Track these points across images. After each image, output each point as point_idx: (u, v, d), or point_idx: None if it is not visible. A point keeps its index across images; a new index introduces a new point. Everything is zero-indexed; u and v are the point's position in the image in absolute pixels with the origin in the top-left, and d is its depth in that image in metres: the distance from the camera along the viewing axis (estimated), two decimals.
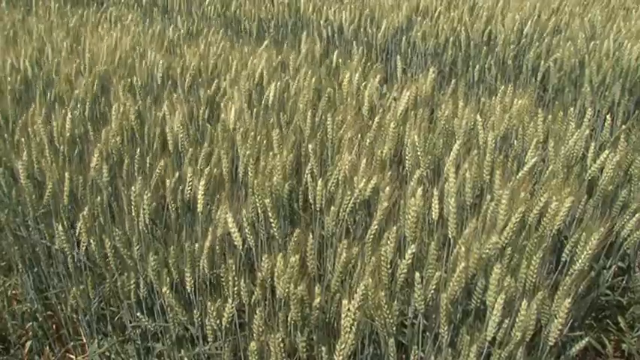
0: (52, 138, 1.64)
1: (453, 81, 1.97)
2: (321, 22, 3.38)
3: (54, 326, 1.80)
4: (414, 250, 1.02)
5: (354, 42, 2.97)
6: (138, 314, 1.40)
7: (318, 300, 1.08)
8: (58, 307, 1.71)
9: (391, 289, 1.06)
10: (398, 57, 2.35)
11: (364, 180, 1.21)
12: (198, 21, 3.43)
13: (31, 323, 1.75)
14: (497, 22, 3.10)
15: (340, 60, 2.39)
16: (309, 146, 1.39)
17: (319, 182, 1.26)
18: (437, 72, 3.14)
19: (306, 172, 1.37)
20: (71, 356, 1.72)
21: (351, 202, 1.21)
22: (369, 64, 2.37)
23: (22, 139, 1.63)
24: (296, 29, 3.54)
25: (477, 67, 2.94)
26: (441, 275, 1.02)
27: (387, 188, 1.14)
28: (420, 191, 1.05)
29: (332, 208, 1.22)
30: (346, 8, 3.37)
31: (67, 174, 1.45)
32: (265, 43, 2.47)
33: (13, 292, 1.90)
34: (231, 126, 1.60)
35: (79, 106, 1.91)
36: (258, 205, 1.23)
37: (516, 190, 1.07)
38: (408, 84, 1.61)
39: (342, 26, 3.36)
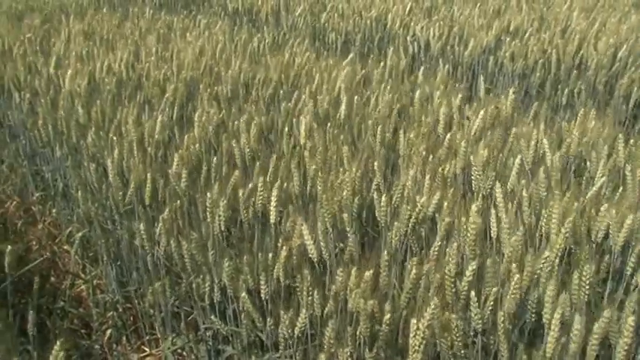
0: (142, 139, 1.76)
1: (536, 103, 1.95)
2: (408, 38, 3.40)
3: (132, 318, 1.92)
4: (474, 267, 1.04)
5: (440, 59, 2.97)
6: (211, 317, 1.48)
7: (388, 316, 1.11)
8: (137, 301, 1.83)
9: (455, 307, 1.08)
10: (481, 77, 2.34)
11: (427, 196, 1.23)
12: (287, 31, 3.54)
13: (112, 313, 1.88)
14: (589, 45, 3.02)
15: (423, 77, 2.42)
16: (375, 163, 1.43)
17: (383, 198, 1.30)
18: (522, 93, 3.10)
19: (373, 187, 1.41)
20: (145, 349, 1.84)
21: (413, 218, 1.24)
22: (451, 82, 2.38)
23: (115, 138, 1.77)
24: (382, 44, 3.58)
25: (566, 90, 2.88)
26: (498, 291, 1.03)
27: (446, 204, 1.16)
28: (475, 207, 1.07)
29: (395, 224, 1.25)
30: (434, 24, 3.37)
31: (149, 175, 1.56)
32: (350, 56, 2.53)
33: (99, 281, 2.05)
34: (302, 140, 1.66)
35: (167, 109, 2.04)
36: (327, 219, 1.28)
37: (571, 205, 1.08)
38: (487, 104, 1.62)
39: (428, 42, 3.37)
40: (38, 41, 2.97)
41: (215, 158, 1.64)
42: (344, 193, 1.31)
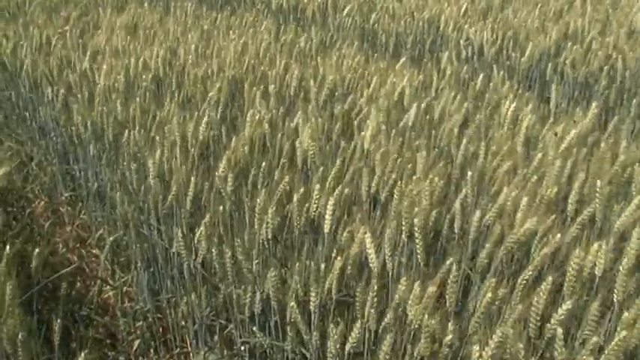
0: (185, 139, 1.73)
1: (616, 118, 1.86)
2: (461, 42, 3.34)
3: (162, 329, 1.89)
4: (569, 307, 0.96)
5: (494, 65, 2.90)
6: (254, 329, 1.44)
7: (450, 337, 1.06)
8: (168, 312, 1.79)
9: (535, 343, 1.01)
10: (553, 86, 2.27)
11: (524, 220, 1.18)
12: (334, 32, 3.51)
13: (141, 323, 1.85)
14: None
15: (482, 83, 2.35)
16: (468, 173, 1.38)
17: (477, 214, 1.25)
18: (584, 103, 3.00)
19: (457, 200, 1.35)
20: None
21: (509, 241, 1.18)
22: (514, 89, 2.31)
23: (157, 137, 1.75)
24: (434, 47, 3.53)
25: (635, 100, 2.76)
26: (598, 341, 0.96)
27: (548, 234, 1.10)
28: (598, 247, 1.01)
29: (487, 245, 1.20)
30: (488, 28, 3.30)
31: (192, 178, 1.53)
32: (402, 59, 2.48)
33: (128, 288, 2.03)
34: (366, 145, 1.61)
35: (209, 109, 2.02)
36: (401, 229, 1.23)
37: None
38: (565, 118, 1.56)
39: (482, 47, 3.30)
40: (75, 34, 3.00)
41: (265, 161, 1.60)
42: (422, 204, 1.26)
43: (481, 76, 2.33)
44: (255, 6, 4.26)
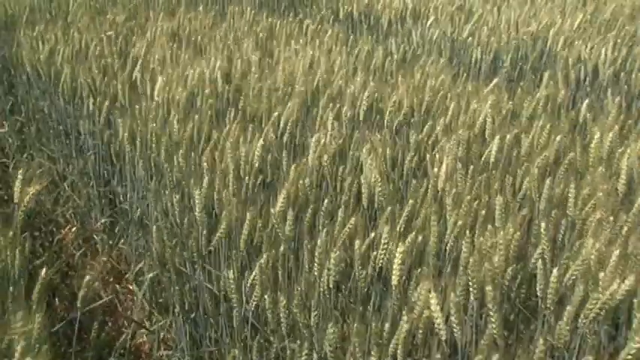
0: (238, 166, 1.82)
1: None
2: (570, 61, 3.34)
3: None
4: None
5: (609, 89, 2.89)
6: None
7: None
8: None
9: None
10: None
11: (616, 280, 1.20)
12: (417, 45, 3.58)
13: None
14: None
15: (589, 114, 2.37)
16: (542, 224, 1.41)
17: (554, 272, 1.27)
18: None
19: (535, 256, 1.39)
20: None
21: (597, 306, 1.20)
22: (629, 121, 2.31)
23: (206, 164, 1.85)
24: (538, 66, 3.53)
25: None
26: None
27: None
28: None
29: (568, 307, 1.22)
30: (609, 44, 3.29)
31: (248, 214, 1.62)
32: (495, 81, 2.52)
33: (166, 334, 2.12)
34: (440, 184, 1.67)
35: (272, 130, 2.10)
36: (472, 288, 1.27)
37: None
38: None
39: (597, 67, 3.29)
40: (119, 40, 3.18)
41: (327, 196, 1.68)
42: (495, 259, 1.30)
43: (585, 102, 2.35)
44: (321, 12, 4.37)
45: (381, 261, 1.44)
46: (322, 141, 1.89)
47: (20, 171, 1.69)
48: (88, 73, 2.75)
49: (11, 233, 1.57)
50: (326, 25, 3.77)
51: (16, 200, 1.69)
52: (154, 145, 2.16)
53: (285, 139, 2.11)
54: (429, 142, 2.03)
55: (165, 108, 2.38)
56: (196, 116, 2.17)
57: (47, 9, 4.02)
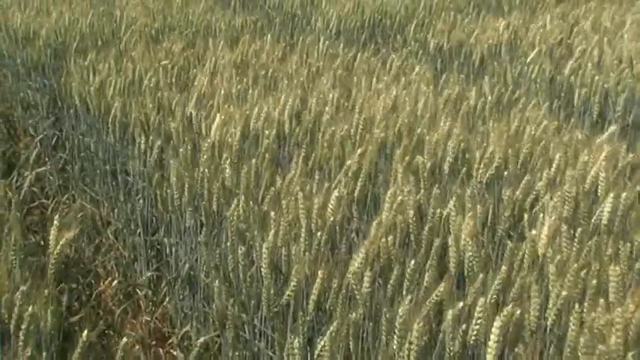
0: (309, 219, 1.87)
1: None
2: None
3: None
4: None
5: None
6: None
7: None
8: None
9: None
10: None
11: None
12: (514, 85, 3.58)
13: None
14: None
15: None
16: None
17: None
18: None
19: None
20: None
21: None
22: None
23: (272, 214, 1.89)
24: None
25: None
26: None
27: None
28: None
29: None
30: None
31: (319, 272, 1.65)
32: (611, 129, 2.51)
33: None
34: (540, 250, 1.67)
35: (346, 180, 2.14)
36: None
37: None
38: None
39: None
40: (175, 71, 3.29)
41: (408, 257, 1.70)
42: (612, 341, 1.29)
43: None
44: (407, 46, 4.43)
45: (473, 336, 1.45)
46: (399, 197, 1.91)
47: (58, 215, 1.75)
48: (141, 108, 2.85)
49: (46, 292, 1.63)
50: (412, 60, 3.81)
51: (50, 249, 1.75)
52: (205, 192, 2.22)
53: (357, 191, 2.15)
54: (528, 200, 2.03)
55: (221, 149, 2.44)
56: (254, 161, 2.23)
57: (99, 36, 4.19)
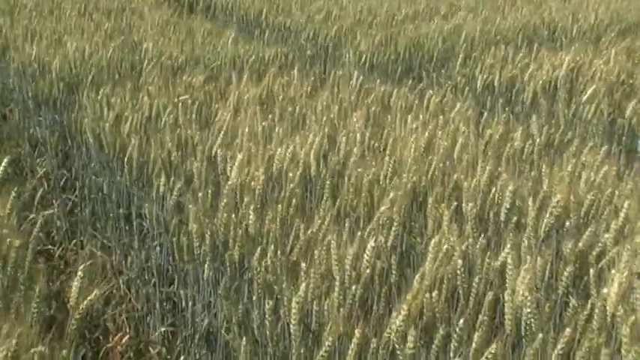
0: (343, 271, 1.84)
1: None
2: None
3: None
4: None
5: None
6: None
7: None
8: None
9: None
10: None
11: None
12: (566, 125, 3.55)
13: None
14: None
15: None
16: None
17: None
18: None
19: None
20: None
21: None
22: None
23: (303, 264, 1.86)
24: None
25: None
26: None
27: None
28: None
29: None
30: None
31: (356, 332, 1.61)
32: None
33: None
34: (609, 309, 1.63)
35: (379, 230, 2.12)
36: None
37: None
38: None
39: None
40: (196, 107, 3.29)
41: (454, 313, 1.66)
42: None
43: None
44: (451, 80, 4.41)
45: None
46: (445, 247, 1.88)
47: (81, 267, 1.72)
48: (159, 147, 2.83)
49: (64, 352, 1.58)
50: (454, 96, 3.80)
51: (72, 303, 1.69)
52: (228, 240, 2.20)
53: (390, 241, 2.12)
54: (594, 254, 1.99)
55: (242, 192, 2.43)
56: (279, 206, 2.21)
57: (116, 69, 4.22)
